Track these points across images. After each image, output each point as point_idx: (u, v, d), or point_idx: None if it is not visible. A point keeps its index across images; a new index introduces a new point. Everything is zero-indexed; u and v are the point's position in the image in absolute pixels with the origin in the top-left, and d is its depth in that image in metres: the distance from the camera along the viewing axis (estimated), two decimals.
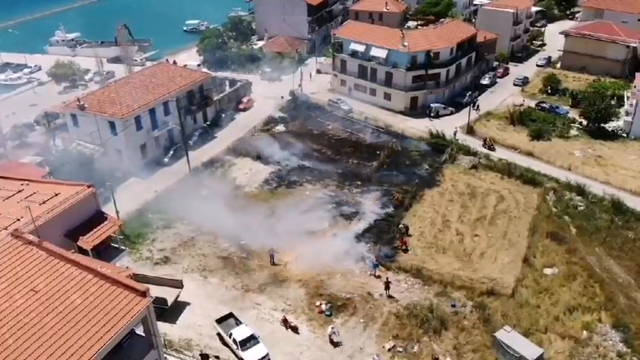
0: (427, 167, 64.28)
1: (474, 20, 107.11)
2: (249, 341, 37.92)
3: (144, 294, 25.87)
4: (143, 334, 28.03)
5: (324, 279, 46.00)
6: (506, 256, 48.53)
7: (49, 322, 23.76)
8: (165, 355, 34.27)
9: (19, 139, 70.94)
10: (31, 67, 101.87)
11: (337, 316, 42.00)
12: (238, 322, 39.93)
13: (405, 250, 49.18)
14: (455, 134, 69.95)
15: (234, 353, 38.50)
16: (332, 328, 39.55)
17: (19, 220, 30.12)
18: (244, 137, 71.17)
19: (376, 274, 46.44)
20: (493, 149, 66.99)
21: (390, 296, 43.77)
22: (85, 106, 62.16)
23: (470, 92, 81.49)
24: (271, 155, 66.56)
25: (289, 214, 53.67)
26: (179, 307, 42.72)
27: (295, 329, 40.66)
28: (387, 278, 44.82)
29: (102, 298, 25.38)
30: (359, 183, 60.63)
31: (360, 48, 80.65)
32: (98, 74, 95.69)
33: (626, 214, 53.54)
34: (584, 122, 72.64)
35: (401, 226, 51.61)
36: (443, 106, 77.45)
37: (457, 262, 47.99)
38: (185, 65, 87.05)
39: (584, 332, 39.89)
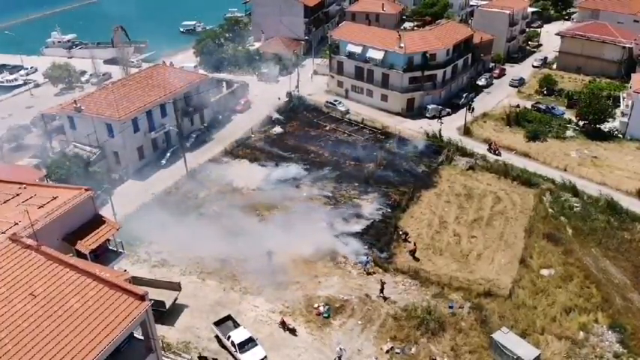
0: (424, 168, 64.43)
1: (470, 21, 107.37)
2: (248, 344, 38.04)
3: (142, 297, 25.86)
4: (142, 338, 28.04)
5: (322, 280, 46.14)
6: (503, 257, 48.78)
7: (48, 326, 23.72)
8: (163, 358, 34.33)
9: (15, 141, 70.82)
10: (27, 68, 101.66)
11: (335, 318, 42.13)
12: (236, 325, 40.01)
13: (415, 258, 48.93)
14: (440, 131, 70.41)
15: (232, 355, 38.60)
16: (340, 349, 38.35)
17: (16, 224, 30.00)
18: (241, 139, 71.24)
19: (369, 270, 46.79)
20: (499, 154, 66.49)
21: (384, 297, 43.92)
22: (82, 108, 62.06)
23: (466, 93, 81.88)
24: (268, 157, 66.66)
25: (286, 216, 53.77)
26: (177, 309, 42.80)
27: (293, 331, 40.76)
28: (381, 279, 45.07)
29: (100, 302, 25.35)
30: (356, 184, 60.74)
31: (357, 49, 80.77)
32: (95, 76, 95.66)
33: (622, 215, 53.90)
34: (580, 123, 72.98)
35: (401, 233, 51.76)
36: (440, 107, 77.65)
37: (454, 264, 48.21)
38: (182, 67, 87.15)
39: (581, 333, 40.15)
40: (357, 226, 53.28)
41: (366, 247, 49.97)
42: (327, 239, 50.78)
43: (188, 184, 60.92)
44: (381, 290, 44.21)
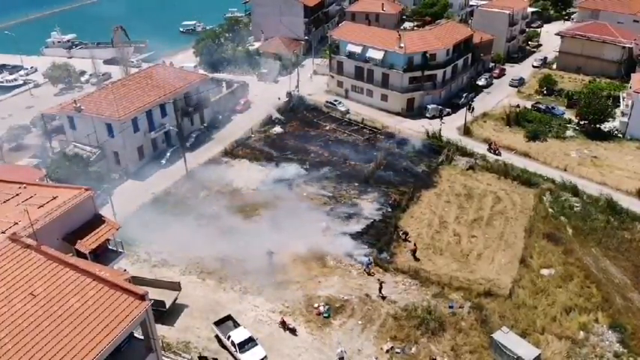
0: (424, 168, 64.37)
1: (470, 21, 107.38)
2: (248, 343, 38.03)
3: (143, 297, 25.86)
4: (142, 337, 28.03)
5: (322, 280, 46.11)
6: (503, 257, 48.76)
7: (48, 326, 23.72)
8: (163, 358, 34.30)
9: (15, 141, 70.84)
10: (27, 68, 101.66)
11: (335, 318, 42.10)
12: (236, 325, 40.00)
13: (416, 258, 48.89)
14: (440, 131, 70.37)
15: (232, 355, 38.57)
16: (341, 350, 38.29)
17: (16, 223, 30.00)
18: (241, 139, 71.20)
19: (370, 271, 46.75)
20: (499, 154, 66.51)
21: (383, 297, 43.92)
22: (82, 108, 62.04)
23: (466, 93, 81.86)
24: (268, 157, 66.62)
25: (287, 216, 53.69)
26: (177, 309, 42.77)
27: (293, 331, 40.74)
28: (379, 279, 45.10)
29: (101, 301, 25.35)
30: (356, 184, 60.71)
31: (357, 49, 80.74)
32: (94, 76, 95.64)
33: (622, 215, 53.88)
34: (580, 123, 72.95)
35: (401, 233, 51.80)
36: (440, 107, 77.61)
37: (454, 264, 48.18)
38: (182, 67, 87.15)
39: (581, 333, 40.14)
40: (357, 226, 53.25)
41: (367, 247, 49.94)
42: (327, 239, 50.74)
43: (188, 184, 60.89)
44: (380, 290, 44.23)
